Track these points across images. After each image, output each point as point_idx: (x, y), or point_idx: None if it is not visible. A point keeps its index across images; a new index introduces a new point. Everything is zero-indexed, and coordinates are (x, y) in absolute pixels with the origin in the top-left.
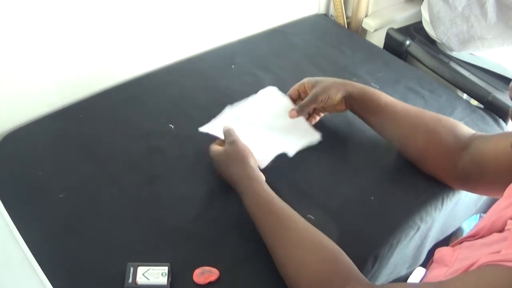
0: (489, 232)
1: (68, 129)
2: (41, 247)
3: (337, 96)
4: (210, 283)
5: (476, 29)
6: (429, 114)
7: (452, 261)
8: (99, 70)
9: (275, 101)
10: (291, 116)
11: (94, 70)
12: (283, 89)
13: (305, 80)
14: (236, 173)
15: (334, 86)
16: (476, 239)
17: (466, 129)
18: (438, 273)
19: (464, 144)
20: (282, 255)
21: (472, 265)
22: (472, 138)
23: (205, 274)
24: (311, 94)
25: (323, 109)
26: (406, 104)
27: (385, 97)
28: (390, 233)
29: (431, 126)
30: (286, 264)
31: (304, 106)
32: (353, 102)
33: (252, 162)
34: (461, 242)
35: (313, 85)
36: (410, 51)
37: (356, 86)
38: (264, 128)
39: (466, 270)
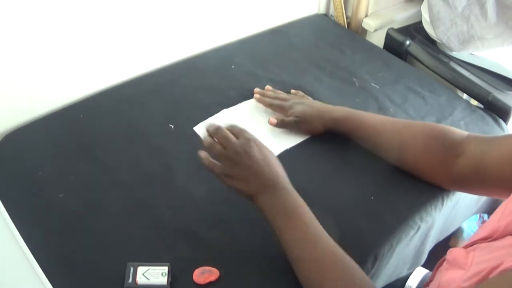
0: (503, 235)
1: (68, 129)
2: (41, 247)
3: (319, 128)
4: (210, 283)
5: (476, 29)
6: (416, 128)
7: (468, 264)
8: (99, 70)
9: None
10: (271, 123)
11: (94, 70)
12: (283, 88)
13: (292, 108)
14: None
15: (317, 119)
16: (489, 241)
17: (457, 134)
18: (454, 276)
19: (457, 150)
20: (309, 275)
21: (495, 268)
22: (467, 142)
23: (205, 274)
24: (294, 121)
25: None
26: (390, 121)
27: (368, 119)
28: (390, 233)
29: (420, 141)
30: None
31: (284, 125)
32: (336, 128)
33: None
34: (472, 244)
35: (296, 115)
36: (410, 51)
37: (339, 112)
38: (257, 129)
39: (489, 274)
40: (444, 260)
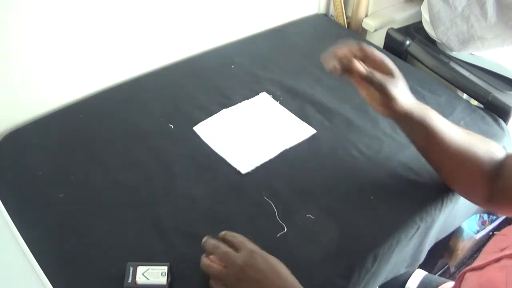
0: None
1: (68, 129)
2: (41, 247)
3: (394, 108)
4: None
5: (476, 29)
6: (474, 140)
7: (505, 282)
8: (99, 70)
9: (268, 106)
10: (330, 66)
11: (94, 70)
12: (283, 88)
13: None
14: None
15: (400, 98)
16: None
17: (499, 150)
18: None
19: (498, 169)
20: None
21: None
22: (508, 160)
23: None
24: (380, 83)
25: (369, 94)
26: (454, 129)
27: (437, 124)
28: (390, 233)
29: (479, 155)
30: None
31: (369, 79)
32: (407, 118)
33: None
34: (499, 259)
35: (388, 71)
36: (410, 51)
37: (418, 106)
38: (257, 129)
39: None
40: (464, 274)
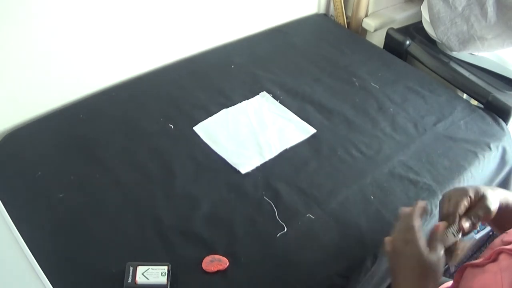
0: None
1: (68, 129)
2: (41, 247)
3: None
4: (218, 272)
5: (476, 29)
6: None
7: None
8: (99, 70)
9: (268, 106)
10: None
11: (94, 70)
12: (283, 88)
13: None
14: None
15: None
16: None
17: None
18: None
19: None
20: None
21: None
22: None
23: (214, 262)
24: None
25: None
26: None
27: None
28: (390, 233)
29: None
30: None
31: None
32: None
33: None
34: (499, 253)
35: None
36: (410, 51)
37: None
38: (257, 129)
39: None
40: (465, 268)
